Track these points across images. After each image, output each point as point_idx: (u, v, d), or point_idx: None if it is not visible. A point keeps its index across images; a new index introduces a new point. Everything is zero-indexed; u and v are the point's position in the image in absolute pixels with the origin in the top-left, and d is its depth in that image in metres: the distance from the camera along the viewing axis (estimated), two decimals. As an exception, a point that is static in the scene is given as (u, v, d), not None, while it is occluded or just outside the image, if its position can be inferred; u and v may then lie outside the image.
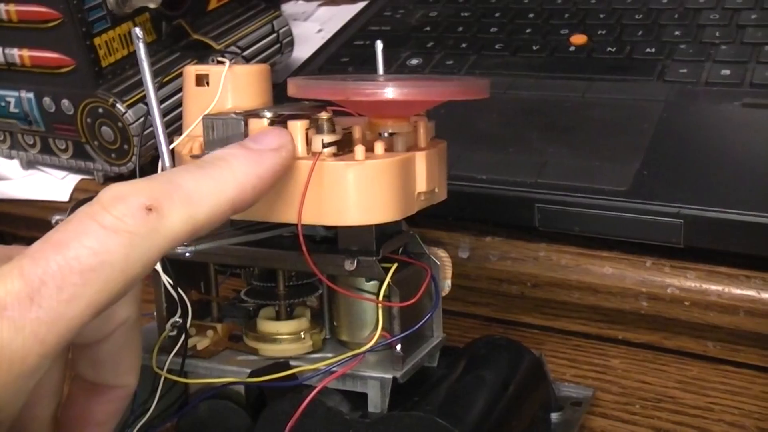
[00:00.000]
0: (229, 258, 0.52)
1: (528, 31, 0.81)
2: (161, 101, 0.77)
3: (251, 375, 0.49)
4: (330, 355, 0.52)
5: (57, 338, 0.33)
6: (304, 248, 0.45)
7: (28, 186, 0.84)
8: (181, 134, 0.52)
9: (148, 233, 0.35)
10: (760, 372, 0.62)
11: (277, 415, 0.47)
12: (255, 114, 0.46)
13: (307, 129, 0.45)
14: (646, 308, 0.62)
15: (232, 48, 0.84)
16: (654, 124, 0.66)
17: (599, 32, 0.78)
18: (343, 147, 0.46)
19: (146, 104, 0.74)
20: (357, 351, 0.49)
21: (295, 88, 0.47)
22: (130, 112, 0.75)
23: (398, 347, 0.49)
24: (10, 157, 0.85)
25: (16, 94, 0.80)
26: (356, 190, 0.44)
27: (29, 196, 0.83)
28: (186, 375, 0.52)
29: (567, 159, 0.64)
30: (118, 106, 0.75)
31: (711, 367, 0.63)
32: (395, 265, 0.49)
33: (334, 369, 0.49)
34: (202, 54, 0.82)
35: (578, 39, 0.77)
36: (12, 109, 0.81)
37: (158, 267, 0.51)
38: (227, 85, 0.51)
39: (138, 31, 0.45)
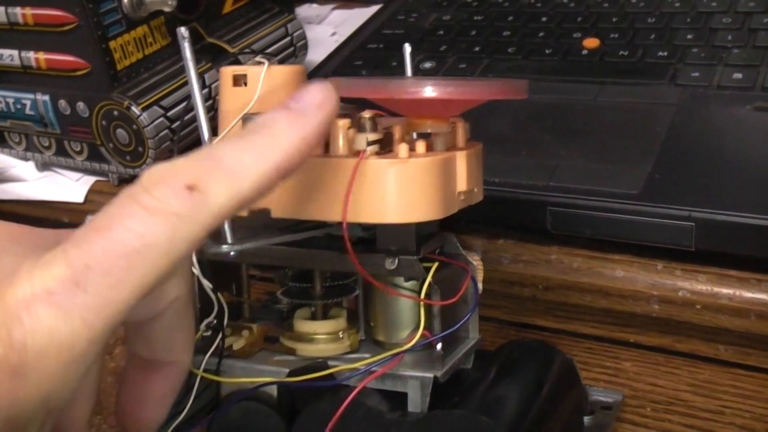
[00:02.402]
0: (268, 258, 0.52)
1: (541, 34, 0.82)
2: (175, 104, 0.78)
3: (289, 375, 0.49)
4: (367, 355, 0.52)
5: (104, 323, 0.32)
6: (348, 246, 0.45)
7: (43, 187, 0.84)
8: (216, 135, 0.52)
9: (192, 213, 0.34)
10: (771, 375, 0.62)
11: (316, 415, 0.47)
12: None
13: (348, 128, 0.46)
14: (657, 311, 0.62)
15: (246, 51, 0.85)
16: (666, 127, 0.66)
17: (612, 36, 0.78)
18: (384, 146, 0.47)
19: (161, 107, 0.76)
20: (398, 350, 0.49)
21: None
22: (144, 114, 0.75)
23: (438, 346, 0.49)
24: (26, 159, 0.85)
25: (32, 96, 0.81)
26: (400, 189, 0.45)
27: (44, 197, 0.83)
28: (221, 375, 0.52)
29: (579, 162, 0.64)
30: (133, 108, 0.75)
31: (722, 371, 0.63)
32: (436, 264, 0.49)
33: (374, 369, 0.49)
34: (217, 58, 0.82)
35: (591, 42, 0.78)
36: (28, 111, 0.81)
37: (194, 269, 0.51)
38: (265, 85, 0.52)
39: (184, 30, 0.45)
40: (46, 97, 0.80)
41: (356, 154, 0.45)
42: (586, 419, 0.56)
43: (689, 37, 0.76)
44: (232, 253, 0.43)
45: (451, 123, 0.49)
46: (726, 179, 0.61)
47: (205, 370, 0.51)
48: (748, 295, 0.60)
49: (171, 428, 0.50)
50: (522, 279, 0.65)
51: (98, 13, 0.74)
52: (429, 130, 0.48)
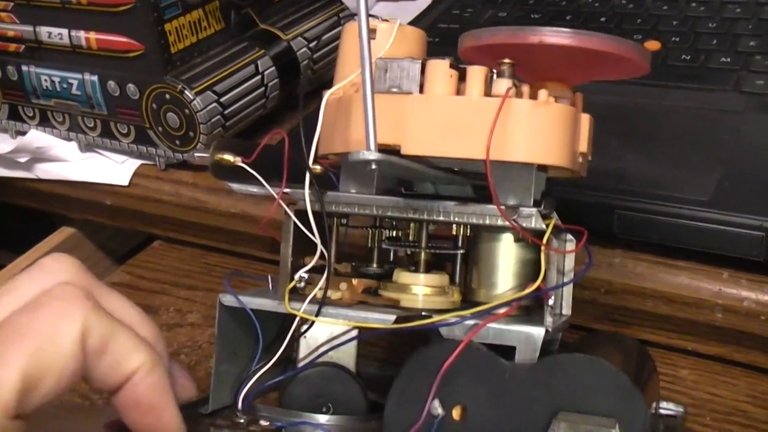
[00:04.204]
0: (381, 209, 0.51)
1: (599, 35, 0.81)
2: (228, 90, 0.77)
3: (397, 321, 0.48)
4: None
5: None
6: (491, 181, 0.46)
7: (87, 169, 0.83)
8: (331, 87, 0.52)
9: None
10: (832, 389, 0.62)
11: (427, 360, 0.46)
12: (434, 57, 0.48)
13: (486, 75, 0.47)
14: (720, 320, 0.62)
15: (299, 39, 0.84)
16: (733, 134, 0.65)
17: (673, 39, 0.77)
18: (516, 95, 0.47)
19: (214, 92, 0.75)
20: (515, 296, 0.48)
21: (473, 39, 0.49)
22: (198, 99, 0.74)
23: (551, 300, 0.48)
24: (68, 139, 0.84)
25: (79, 76, 0.80)
26: (542, 129, 0.47)
27: (87, 179, 0.82)
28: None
29: (646, 166, 0.63)
30: (186, 93, 0.74)
31: (782, 383, 0.63)
32: (554, 220, 0.49)
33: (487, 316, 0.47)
34: (269, 45, 0.82)
35: (652, 45, 0.77)
36: (74, 91, 0.80)
37: (293, 217, 0.51)
38: (395, 40, 0.51)
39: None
40: (95, 78, 0.79)
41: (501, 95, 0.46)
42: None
43: (752, 44, 0.75)
44: (374, 165, 0.42)
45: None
46: (798, 190, 0.60)
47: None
48: (816, 308, 0.59)
49: (251, 381, 0.49)
50: (583, 281, 0.64)
51: (156, -6, 0.73)
52: (552, 94, 0.48)
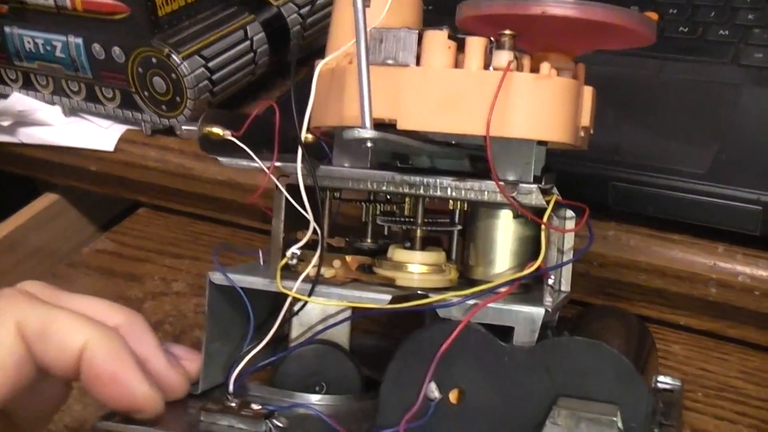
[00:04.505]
0: (376, 185, 0.49)
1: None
2: (216, 55, 0.75)
3: (393, 301, 0.47)
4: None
5: None
6: (490, 159, 0.44)
7: (71, 133, 0.81)
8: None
9: None
10: (824, 367, 0.61)
11: (423, 342, 0.45)
12: (431, 27, 0.46)
13: (486, 46, 0.45)
14: (714, 295, 0.61)
15: (289, 5, 0.82)
16: (731, 108, 0.64)
17: (670, 11, 0.76)
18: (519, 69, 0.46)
19: (202, 57, 0.74)
20: (514, 276, 0.47)
21: (472, 8, 0.47)
22: (185, 63, 0.73)
23: (551, 279, 0.47)
24: (52, 103, 0.82)
25: (63, 38, 0.78)
26: (544, 104, 0.45)
27: (71, 144, 0.81)
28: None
29: (643, 139, 0.62)
30: (174, 57, 0.73)
31: (774, 359, 0.62)
32: (555, 196, 0.48)
33: (485, 297, 0.46)
34: (259, 9, 0.80)
35: (650, 16, 0.75)
36: (58, 53, 0.79)
37: (285, 192, 0.49)
38: (390, 8, 0.49)
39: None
40: (79, 40, 0.77)
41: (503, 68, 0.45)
42: (655, 396, 0.55)
43: (750, 17, 0.74)
44: (369, 144, 0.41)
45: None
46: (796, 164, 0.59)
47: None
48: (812, 284, 0.59)
49: (244, 362, 0.48)
50: (576, 254, 0.63)
51: (143, -45, 0.72)
52: (554, 65, 0.46)
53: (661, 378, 0.56)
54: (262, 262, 0.53)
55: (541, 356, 0.44)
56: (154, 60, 0.74)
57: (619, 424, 0.42)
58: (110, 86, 0.78)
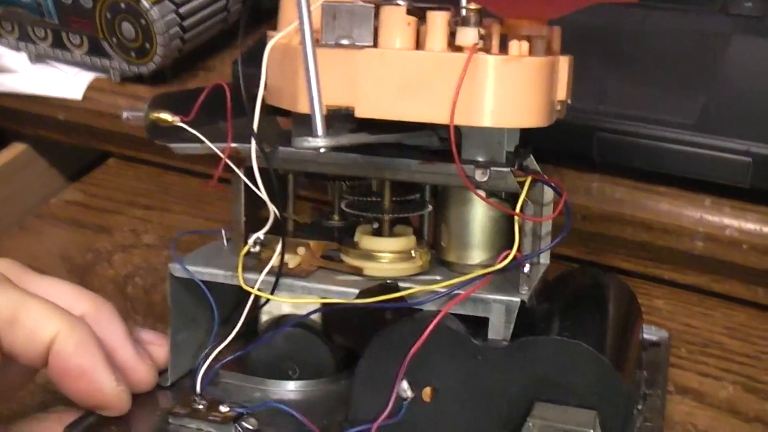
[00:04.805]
0: (341, 168, 0.47)
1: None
2: (188, 0, 0.73)
3: (359, 296, 0.45)
4: (437, 277, 0.47)
5: None
6: (455, 152, 0.42)
7: (38, 81, 0.79)
8: (276, 30, 0.46)
9: None
10: (810, 323, 0.60)
11: (394, 339, 0.43)
12: (386, 3, 0.42)
13: (449, 21, 0.42)
14: (700, 249, 0.60)
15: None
16: (720, 57, 0.62)
17: (657, -42, 0.74)
18: (485, 45, 0.42)
19: (173, 2, 0.71)
20: (487, 270, 0.44)
21: None
22: (155, 8, 0.70)
23: (526, 268, 0.45)
24: (18, 49, 0.80)
25: (28, -19, 0.75)
26: (514, 89, 0.41)
27: (39, 92, 0.78)
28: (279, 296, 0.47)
29: (629, 89, 0.61)
30: (143, 1, 0.70)
31: (759, 315, 0.61)
32: (530, 178, 0.45)
33: (457, 291, 0.44)
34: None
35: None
36: (23, -3, 0.76)
37: (243, 177, 0.46)
38: None
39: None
40: (45, -16, 0.74)
41: (458, 49, 0.41)
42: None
43: (739, -36, 0.72)
44: (322, 150, 0.38)
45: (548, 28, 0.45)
46: (786, 115, 0.58)
47: (258, 290, 0.47)
48: (800, 238, 0.57)
49: (211, 357, 0.47)
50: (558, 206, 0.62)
51: None
52: (526, 33, 0.43)
53: (647, 331, 0.55)
54: (225, 242, 0.51)
55: (516, 356, 0.42)
56: (122, 5, 0.71)
57: None
58: (77, 32, 0.75)
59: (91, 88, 0.77)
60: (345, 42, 0.42)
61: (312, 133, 0.38)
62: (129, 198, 0.77)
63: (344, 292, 0.46)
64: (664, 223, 0.60)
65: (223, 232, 0.51)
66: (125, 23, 0.72)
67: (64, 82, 0.78)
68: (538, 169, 0.49)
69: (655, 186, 0.61)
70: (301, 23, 0.38)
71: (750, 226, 0.58)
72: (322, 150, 0.38)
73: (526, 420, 0.41)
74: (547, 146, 0.59)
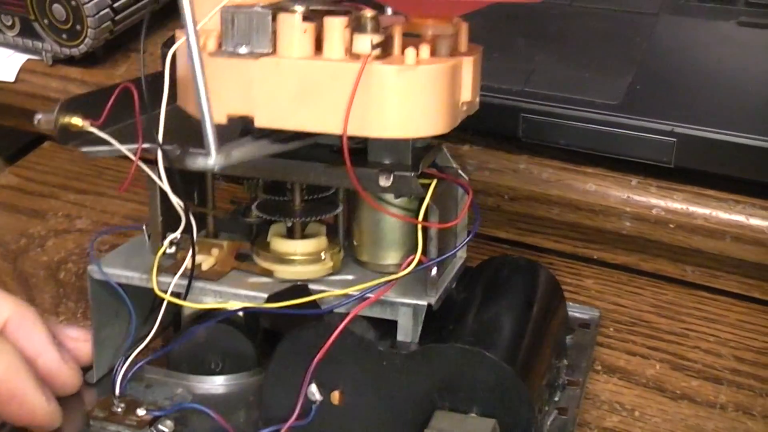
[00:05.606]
0: (246, 170, 0.46)
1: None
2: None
3: (269, 300, 0.45)
4: (350, 277, 0.48)
5: None
6: (348, 162, 0.41)
7: (-32, 63, 0.78)
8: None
9: None
10: (737, 300, 0.61)
11: (300, 344, 0.43)
12: (284, 8, 0.41)
13: (346, 27, 0.41)
14: (628, 228, 0.60)
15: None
16: (646, 37, 0.63)
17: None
18: (385, 49, 0.41)
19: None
20: (392, 277, 0.44)
21: None
22: (85, -10, 0.70)
23: (434, 271, 0.45)
24: (-53, 31, 0.79)
25: (-44, -38, 0.74)
26: (407, 99, 0.40)
27: (-31, 75, 0.77)
28: (191, 300, 0.47)
29: (555, 68, 0.61)
30: (73, -18, 0.69)
31: (687, 293, 0.62)
32: (434, 182, 0.45)
33: (366, 295, 0.44)
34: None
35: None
36: (-49, -23, 0.75)
37: (156, 176, 0.44)
38: None
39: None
40: (-27, -36, 0.73)
41: (355, 57, 0.40)
42: (567, 338, 0.54)
43: (669, -58, 0.72)
44: (216, 168, 0.38)
45: (454, 24, 0.44)
46: (709, 96, 0.58)
47: (172, 293, 0.46)
48: (725, 216, 0.58)
49: (131, 358, 0.47)
50: (487, 188, 0.62)
51: None
52: (431, 32, 0.43)
53: (578, 311, 0.56)
54: (147, 239, 0.51)
55: (418, 361, 0.43)
56: (53, -14, 0.70)
57: None
58: (9, 13, 0.75)
59: (24, 70, 0.77)
60: (243, 50, 0.41)
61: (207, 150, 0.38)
62: (63, 182, 0.76)
63: (253, 296, 0.46)
64: (591, 203, 0.60)
65: (144, 228, 0.51)
66: (56, 5, 0.71)
67: (-4, 64, 0.77)
68: (452, 164, 0.48)
69: (582, 167, 0.61)
70: (188, 38, 0.38)
71: (676, 205, 0.59)
72: (216, 169, 0.38)
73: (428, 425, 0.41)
74: (473, 127, 0.60)
